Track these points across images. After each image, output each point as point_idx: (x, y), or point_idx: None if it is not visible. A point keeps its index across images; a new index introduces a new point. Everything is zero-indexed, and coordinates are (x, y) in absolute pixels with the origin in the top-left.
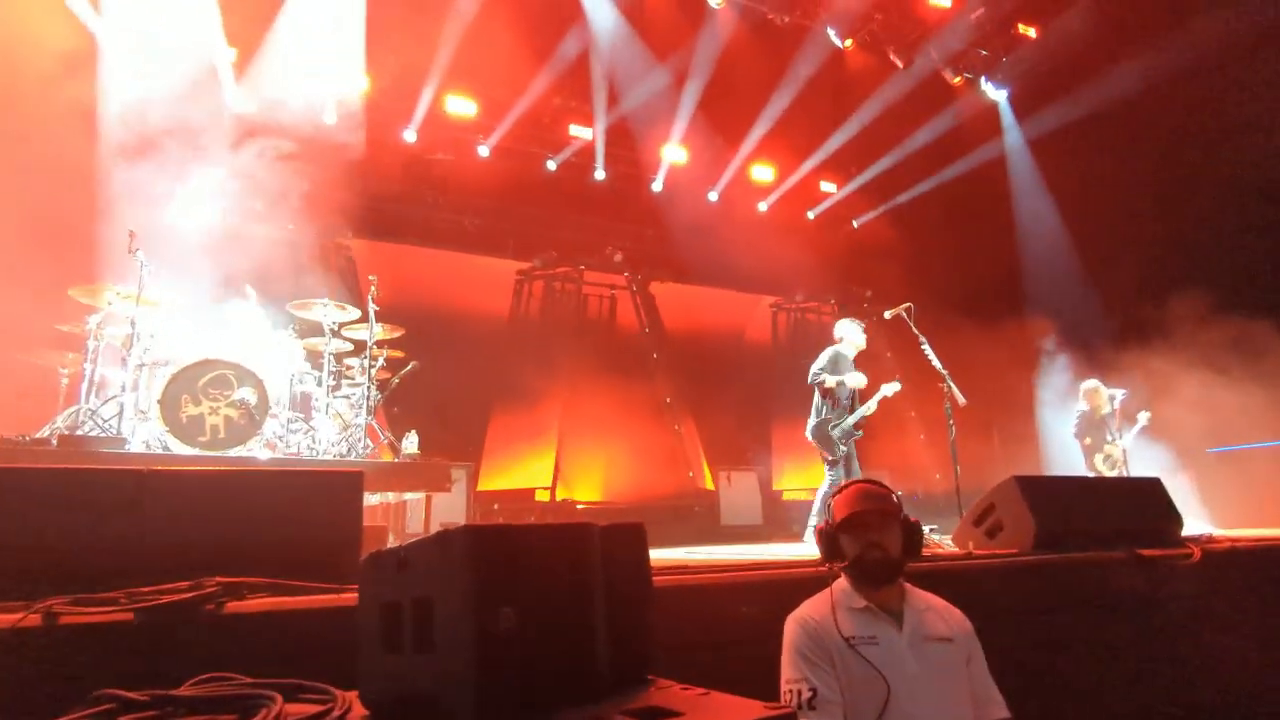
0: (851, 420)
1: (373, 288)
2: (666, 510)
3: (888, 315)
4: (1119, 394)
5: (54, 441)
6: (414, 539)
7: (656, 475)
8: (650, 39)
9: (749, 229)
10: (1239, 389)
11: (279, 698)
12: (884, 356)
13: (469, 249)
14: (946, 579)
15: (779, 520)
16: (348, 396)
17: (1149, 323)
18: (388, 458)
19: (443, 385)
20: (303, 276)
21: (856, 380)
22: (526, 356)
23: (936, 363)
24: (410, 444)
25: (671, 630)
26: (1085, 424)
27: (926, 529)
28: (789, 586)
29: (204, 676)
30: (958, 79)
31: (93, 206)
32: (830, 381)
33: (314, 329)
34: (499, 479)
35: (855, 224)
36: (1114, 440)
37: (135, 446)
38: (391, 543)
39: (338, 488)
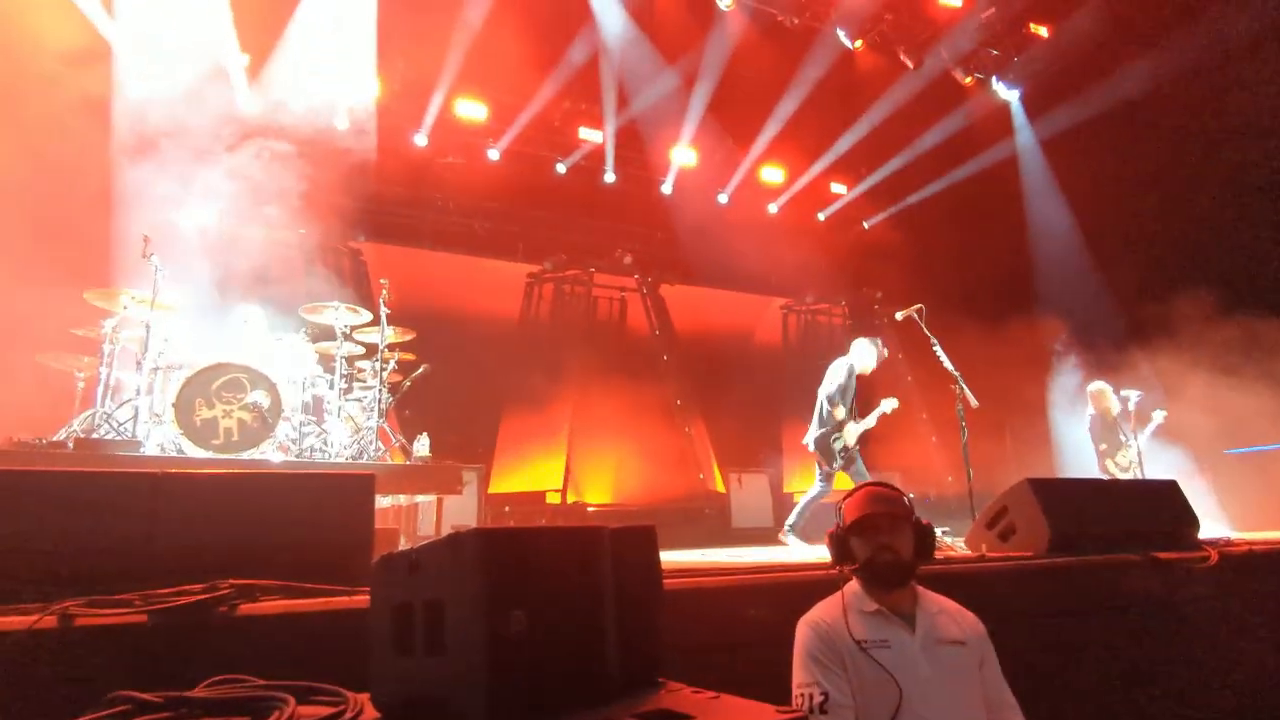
0: (855, 434)
1: (384, 291)
2: (677, 512)
3: (899, 317)
4: (1134, 395)
5: (70, 444)
6: (425, 541)
7: (667, 477)
8: (660, 41)
9: (759, 231)
10: (1255, 389)
11: (292, 700)
12: (896, 358)
13: (479, 252)
14: (959, 582)
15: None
16: (359, 399)
17: (1163, 323)
18: (399, 460)
19: (454, 388)
20: (315, 280)
21: (853, 432)
22: (537, 359)
23: (948, 364)
24: (421, 446)
25: (682, 633)
26: (1097, 427)
27: (938, 531)
28: (800, 589)
29: (217, 678)
30: (969, 79)
31: (107, 211)
32: (840, 414)
33: (326, 332)
34: (510, 481)
35: (866, 225)
36: (1128, 442)
37: (150, 449)
38: (403, 545)
39: (349, 490)
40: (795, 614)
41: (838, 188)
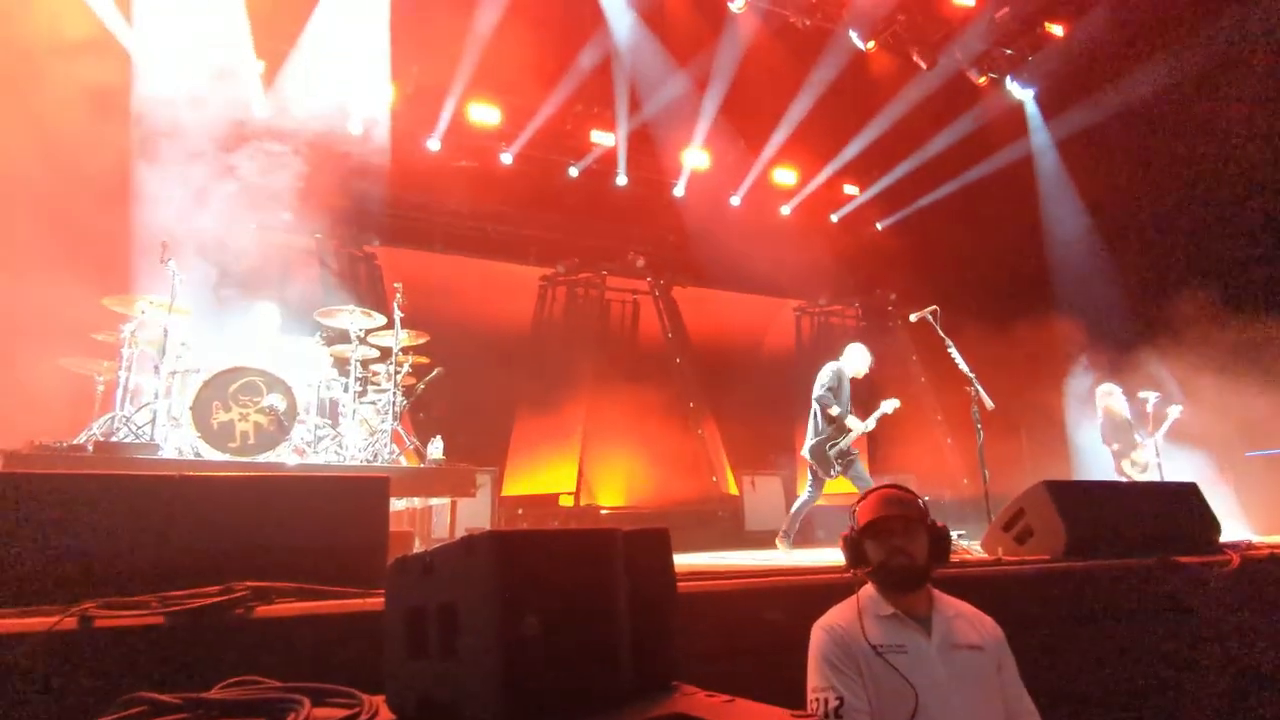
0: (849, 439)
1: (398, 294)
2: (690, 515)
3: (913, 318)
4: (1152, 396)
5: (90, 448)
6: (439, 544)
7: (680, 480)
8: (671, 44)
9: (771, 233)
10: (1276, 391)
11: (307, 701)
12: (909, 360)
13: (492, 256)
14: (975, 585)
15: (804, 525)
16: (374, 402)
17: (1180, 324)
18: (413, 463)
19: (467, 391)
20: (329, 284)
21: (857, 425)
22: (550, 362)
23: (963, 366)
24: (435, 449)
25: (696, 636)
26: (1109, 429)
27: (954, 534)
28: (815, 593)
29: (233, 680)
30: (983, 79)
31: (126, 217)
32: (835, 410)
33: (341, 336)
34: (523, 484)
35: (879, 227)
36: (1142, 442)
37: (168, 452)
38: (417, 548)
39: (364, 493)
40: (810, 617)
41: (850, 189)
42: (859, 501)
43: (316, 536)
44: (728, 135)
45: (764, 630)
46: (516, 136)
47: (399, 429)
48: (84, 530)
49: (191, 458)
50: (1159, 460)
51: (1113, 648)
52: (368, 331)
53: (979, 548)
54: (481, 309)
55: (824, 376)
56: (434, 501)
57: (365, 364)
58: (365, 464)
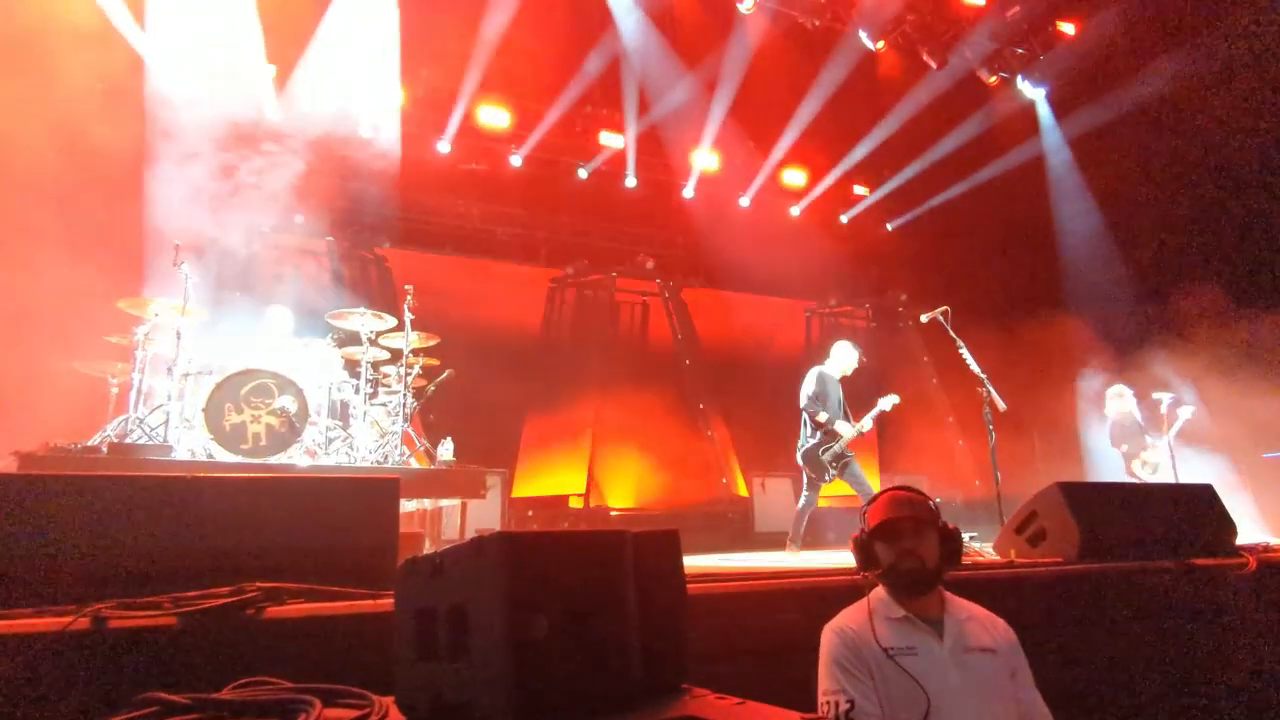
0: (843, 442)
1: (409, 296)
2: (700, 517)
3: (924, 319)
4: (1166, 398)
5: (104, 449)
6: (449, 545)
7: (689, 482)
8: (680, 46)
9: (781, 234)
10: None
11: (317, 702)
12: (921, 361)
13: (502, 258)
14: (987, 588)
15: (814, 527)
16: (385, 404)
17: (1195, 324)
18: (424, 465)
19: (477, 392)
20: (341, 286)
21: (846, 431)
22: (559, 364)
23: (975, 367)
24: (446, 451)
25: (706, 638)
26: (1119, 431)
27: (966, 537)
28: (826, 595)
29: (244, 680)
30: (993, 78)
31: (139, 221)
32: (822, 417)
33: (352, 338)
34: (533, 485)
35: (889, 227)
36: (1152, 443)
37: (181, 454)
38: (427, 549)
39: (375, 494)
40: (821, 620)
41: (860, 190)
42: (869, 503)
43: (327, 537)
44: (737, 136)
45: (774, 632)
46: (526, 138)
47: (409, 431)
48: (98, 531)
49: (204, 459)
50: (1173, 462)
51: (1128, 651)
52: (378, 333)
53: (991, 550)
54: (491, 311)
55: (807, 384)
56: (444, 503)
57: (376, 366)
58: (376, 465)
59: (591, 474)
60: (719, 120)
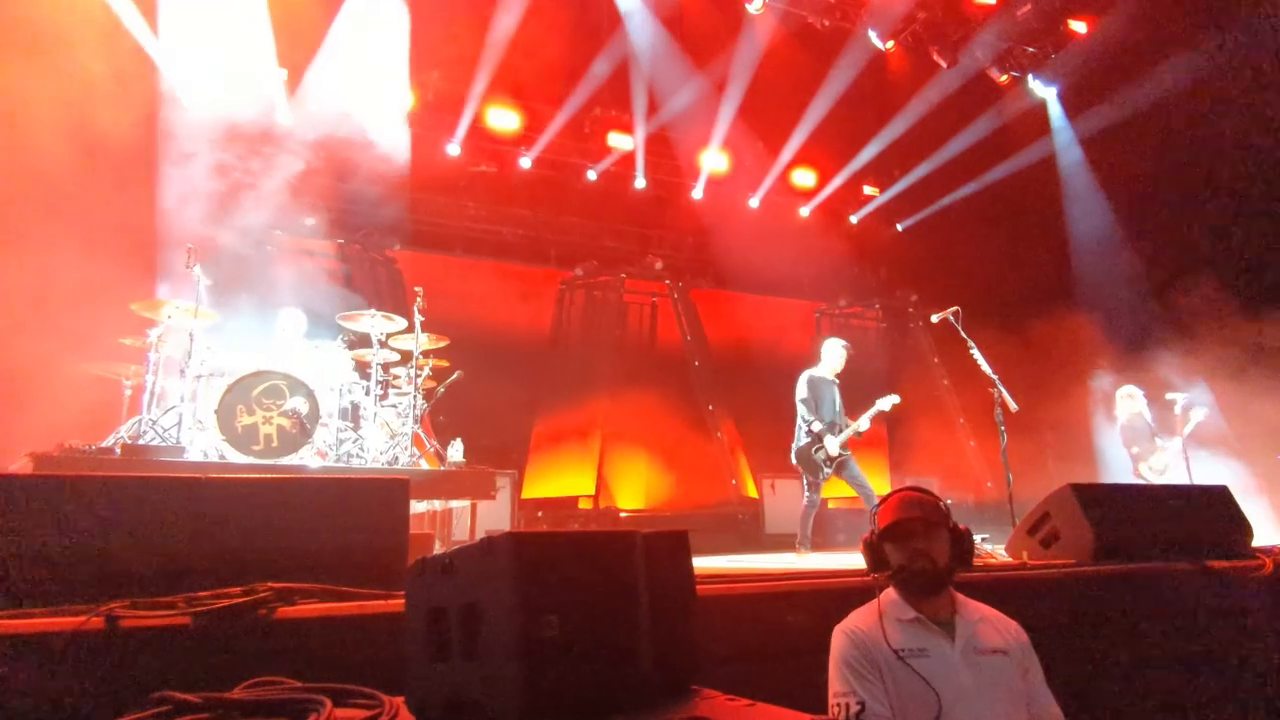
0: (837, 442)
1: (418, 298)
2: (709, 518)
3: (934, 319)
4: (1180, 399)
5: (118, 450)
6: (459, 546)
7: (699, 483)
8: (689, 47)
9: (790, 234)
10: None
11: (328, 702)
12: (931, 362)
13: (512, 259)
14: (999, 590)
15: (825, 529)
16: (395, 405)
17: (1206, 324)
18: (434, 466)
19: (487, 394)
20: (351, 288)
21: (830, 444)
22: (569, 365)
23: (986, 367)
24: (455, 452)
25: (716, 639)
26: (1128, 432)
27: (977, 538)
28: (836, 597)
29: (256, 680)
30: (1004, 77)
31: (152, 223)
32: (817, 427)
33: (362, 339)
34: (543, 487)
35: (899, 227)
36: (1162, 445)
37: (193, 455)
38: (438, 550)
39: (385, 495)
40: (831, 621)
41: (870, 190)
42: (879, 504)
43: (338, 538)
44: (746, 137)
45: (784, 634)
46: (535, 141)
47: (419, 432)
48: (111, 531)
49: (216, 460)
50: (1187, 463)
51: (1142, 654)
52: (389, 335)
53: (1003, 552)
54: (501, 312)
55: (799, 389)
56: (454, 504)
57: (386, 367)
58: (386, 467)
59: (601, 475)
60: (728, 121)
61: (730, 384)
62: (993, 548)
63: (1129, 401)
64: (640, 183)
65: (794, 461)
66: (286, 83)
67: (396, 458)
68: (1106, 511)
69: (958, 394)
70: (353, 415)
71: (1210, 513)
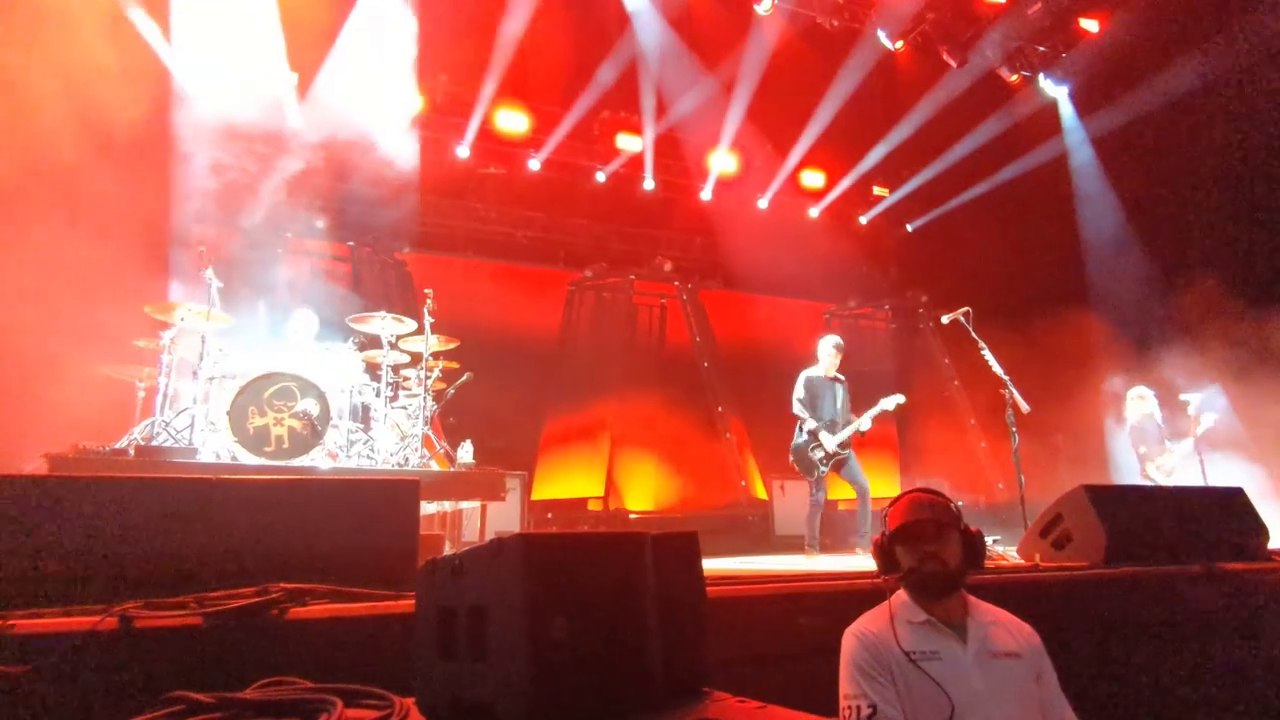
0: (835, 440)
1: (428, 300)
2: (719, 520)
3: (945, 320)
4: (1194, 400)
5: (131, 452)
6: (469, 547)
7: (708, 484)
8: (698, 48)
9: (800, 235)
10: None
11: (339, 702)
12: (942, 363)
13: (521, 261)
14: (1012, 592)
15: (835, 531)
16: (405, 407)
17: (1221, 325)
18: (444, 467)
19: (496, 395)
20: (362, 290)
21: (827, 441)
22: (578, 366)
23: (997, 368)
24: (465, 453)
25: (726, 642)
26: (1137, 433)
27: (988, 540)
28: (847, 599)
29: (268, 680)
30: (1014, 77)
31: (165, 227)
32: (810, 425)
33: (372, 341)
34: (552, 488)
35: (909, 228)
36: (1170, 447)
37: (206, 456)
38: (448, 551)
39: (395, 496)
40: (842, 624)
41: (879, 190)
42: (890, 506)
43: (349, 539)
44: (755, 138)
45: (794, 636)
46: (544, 142)
47: (429, 433)
48: (125, 532)
49: (228, 461)
50: (1202, 465)
51: (1156, 657)
52: (399, 337)
53: (1015, 554)
54: (510, 314)
55: (795, 389)
56: (464, 505)
57: (397, 369)
58: (396, 468)
59: (610, 477)
60: (737, 122)
61: (739, 385)
62: (1004, 550)
63: (1140, 403)
64: (649, 184)
65: (791, 459)
66: (297, 86)
67: (407, 459)
68: (1120, 513)
69: (968, 395)
70: (363, 417)
71: (1226, 515)
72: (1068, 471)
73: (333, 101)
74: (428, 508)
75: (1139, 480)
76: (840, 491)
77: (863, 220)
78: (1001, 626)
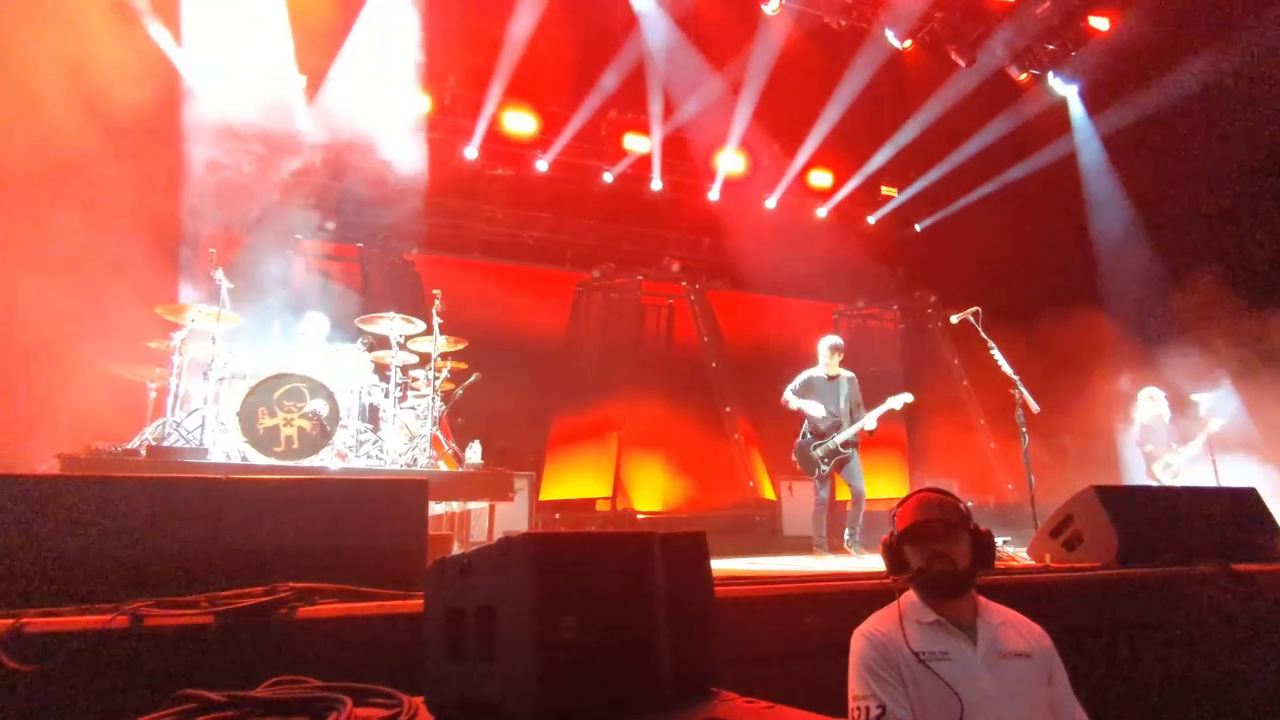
0: (840, 439)
1: (437, 301)
2: (727, 520)
3: (954, 320)
4: (1204, 400)
5: (143, 452)
6: (478, 547)
7: (716, 485)
8: (705, 48)
9: (808, 235)
10: None
11: (348, 701)
12: (951, 363)
13: (529, 262)
14: (1022, 593)
15: (843, 531)
16: (413, 408)
17: (1231, 325)
18: (452, 467)
19: (504, 396)
20: (371, 291)
21: (814, 409)
22: (586, 367)
23: (1007, 368)
24: (474, 454)
25: (734, 642)
26: (1145, 433)
27: (998, 541)
28: (856, 599)
29: (278, 679)
30: (1023, 76)
31: (175, 228)
32: (794, 404)
33: (381, 342)
34: (560, 488)
35: (918, 227)
36: (1177, 450)
37: (216, 456)
38: (456, 551)
39: (404, 496)
40: (851, 624)
41: (888, 190)
42: (898, 506)
43: (358, 539)
44: (763, 138)
45: (803, 637)
46: (551, 144)
47: (438, 433)
48: (136, 531)
49: (238, 461)
50: (1214, 465)
51: (1168, 659)
52: (407, 338)
53: (1025, 555)
54: (518, 314)
55: (792, 383)
56: (472, 505)
57: (405, 369)
58: (405, 468)
59: (618, 477)
60: (744, 122)
61: (747, 386)
62: (1015, 551)
63: (1150, 403)
64: (657, 185)
65: (793, 457)
66: (306, 89)
67: (415, 459)
68: (1131, 514)
69: (978, 395)
70: (372, 417)
71: (1238, 515)
72: (1077, 472)
73: (341, 104)
74: (436, 508)
75: (1144, 480)
76: (845, 492)
77: (871, 220)
78: (1011, 627)
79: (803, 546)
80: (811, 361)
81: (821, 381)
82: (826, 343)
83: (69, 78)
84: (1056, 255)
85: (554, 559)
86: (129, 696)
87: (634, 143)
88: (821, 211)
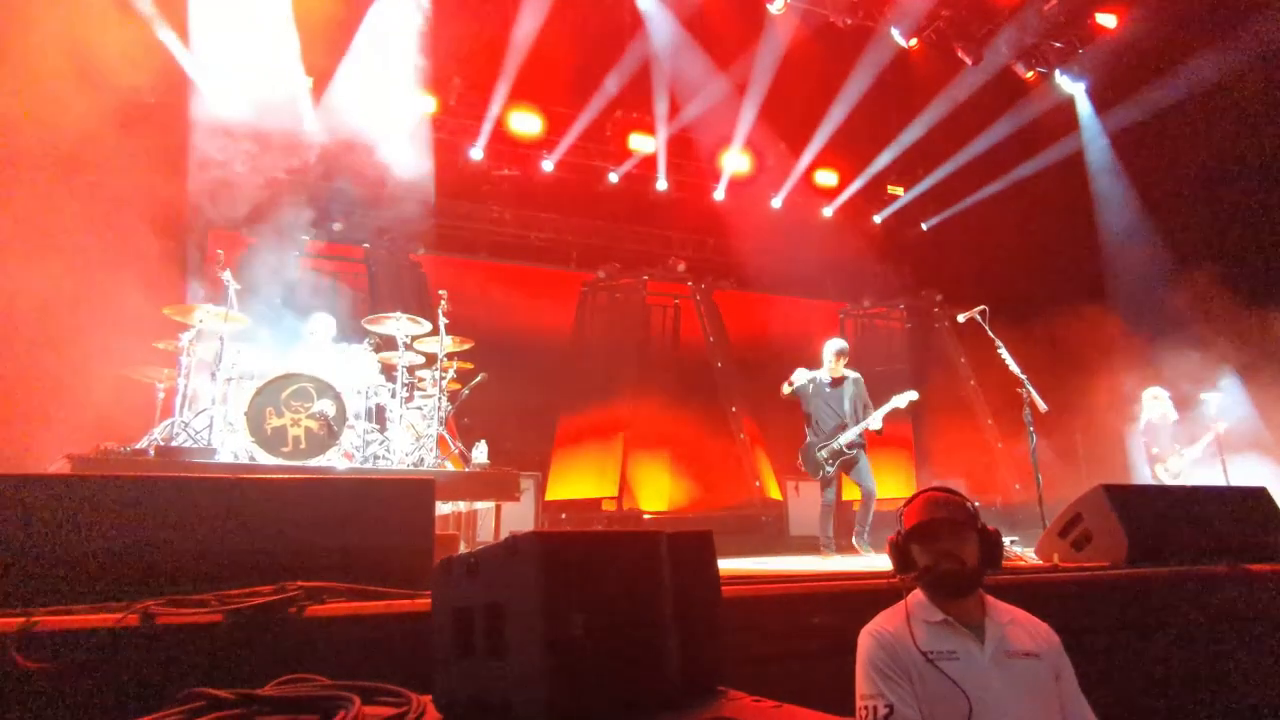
0: (844, 440)
1: (443, 301)
2: (733, 520)
3: (961, 319)
4: (1212, 400)
5: (151, 452)
6: (484, 546)
7: (722, 485)
8: (710, 48)
9: (814, 235)
10: None
11: (357, 700)
12: (958, 362)
13: (534, 262)
14: (1030, 593)
15: (850, 530)
16: (420, 408)
17: (1241, 324)
18: (458, 467)
19: (511, 396)
20: (377, 291)
21: (817, 409)
22: (592, 367)
23: (1014, 367)
24: (480, 454)
25: (742, 642)
26: (1150, 431)
27: (1006, 541)
28: (863, 598)
29: (286, 677)
30: (1030, 73)
31: (182, 229)
32: (810, 425)
33: (387, 342)
34: (566, 488)
35: (924, 226)
36: (1180, 451)
37: (224, 457)
38: (463, 550)
39: (411, 496)
40: (858, 623)
41: (894, 189)
42: (905, 505)
43: (365, 538)
44: (768, 137)
45: (810, 636)
46: (557, 144)
47: (444, 434)
48: (146, 531)
49: (246, 461)
50: (1224, 464)
51: (1178, 659)
52: (414, 338)
53: (1033, 555)
54: (524, 315)
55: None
56: (479, 506)
57: (412, 370)
58: (411, 468)
59: (624, 477)
60: (750, 121)
61: (753, 385)
62: (1023, 550)
63: (1155, 403)
64: (662, 184)
65: (799, 460)
66: (312, 90)
67: (422, 459)
68: (1140, 513)
69: (985, 394)
70: (379, 417)
71: (1249, 515)
72: (1086, 472)
73: (347, 105)
74: (443, 508)
75: (1148, 479)
76: (855, 492)
77: (877, 219)
78: (1020, 626)
79: (809, 547)
80: (820, 361)
81: (821, 383)
82: (832, 347)
83: (73, 74)
84: (1064, 253)
85: (561, 558)
86: (139, 694)
87: (639, 143)
88: (827, 211)
